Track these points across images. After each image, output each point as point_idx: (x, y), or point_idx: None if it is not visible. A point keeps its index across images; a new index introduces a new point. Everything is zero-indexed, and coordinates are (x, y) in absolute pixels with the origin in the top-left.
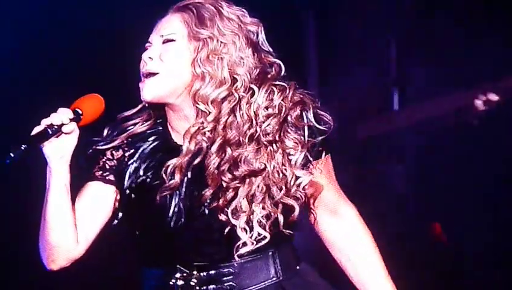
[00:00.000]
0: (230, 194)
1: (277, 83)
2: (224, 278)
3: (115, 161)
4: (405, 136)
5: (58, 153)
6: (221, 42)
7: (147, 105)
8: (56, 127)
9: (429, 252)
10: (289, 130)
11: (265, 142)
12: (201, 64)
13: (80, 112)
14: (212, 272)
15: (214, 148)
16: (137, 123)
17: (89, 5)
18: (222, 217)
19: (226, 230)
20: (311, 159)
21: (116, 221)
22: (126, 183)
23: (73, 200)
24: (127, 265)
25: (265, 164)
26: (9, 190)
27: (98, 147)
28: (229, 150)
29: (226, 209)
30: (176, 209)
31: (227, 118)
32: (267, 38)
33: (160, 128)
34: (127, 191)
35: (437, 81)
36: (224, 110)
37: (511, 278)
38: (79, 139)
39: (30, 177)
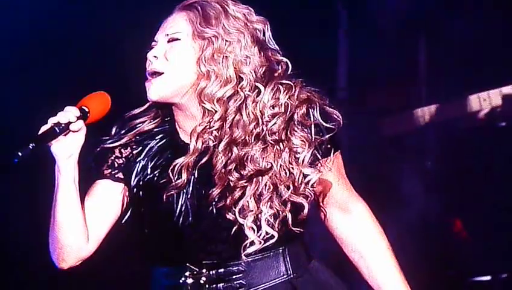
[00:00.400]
0: (237, 194)
1: (283, 81)
2: (234, 277)
3: (123, 159)
4: (427, 134)
5: (66, 152)
6: (226, 41)
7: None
8: (63, 125)
9: (449, 252)
10: (296, 128)
11: (271, 141)
12: (206, 63)
13: (87, 109)
14: (221, 270)
15: (221, 147)
16: (145, 121)
17: (97, 3)
18: (230, 216)
19: (234, 229)
20: (319, 156)
21: (125, 219)
22: (133, 181)
23: (82, 198)
24: (128, 265)
25: (271, 163)
26: (19, 190)
27: (106, 145)
28: (235, 149)
29: (234, 209)
30: (183, 208)
31: (234, 117)
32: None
33: (168, 126)
34: (135, 189)
35: (465, 80)
36: (230, 109)
37: None
38: (86, 137)
39: (39, 176)
